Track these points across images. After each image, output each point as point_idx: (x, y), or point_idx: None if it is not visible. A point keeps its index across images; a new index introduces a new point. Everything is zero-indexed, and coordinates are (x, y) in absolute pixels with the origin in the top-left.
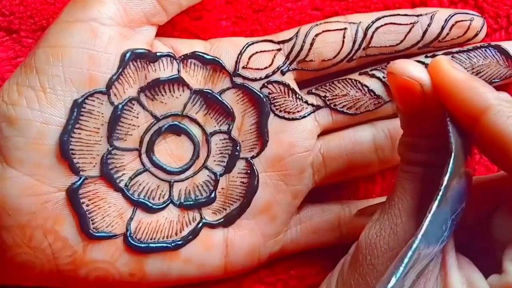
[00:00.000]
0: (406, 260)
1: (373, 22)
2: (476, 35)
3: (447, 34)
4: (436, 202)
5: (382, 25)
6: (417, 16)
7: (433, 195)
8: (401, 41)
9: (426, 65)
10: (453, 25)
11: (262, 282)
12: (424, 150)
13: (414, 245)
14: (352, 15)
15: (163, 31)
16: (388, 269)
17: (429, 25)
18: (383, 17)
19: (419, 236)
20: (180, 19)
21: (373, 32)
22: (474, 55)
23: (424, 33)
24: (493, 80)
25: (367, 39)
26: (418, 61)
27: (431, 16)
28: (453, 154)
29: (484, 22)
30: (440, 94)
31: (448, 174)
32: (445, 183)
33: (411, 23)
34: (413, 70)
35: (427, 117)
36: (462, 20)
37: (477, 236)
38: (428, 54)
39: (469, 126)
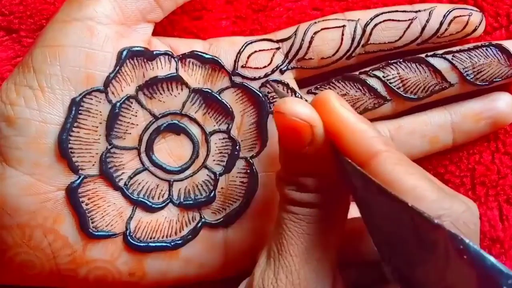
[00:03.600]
0: None
1: (371, 19)
2: (475, 30)
3: (446, 29)
4: None
5: (380, 22)
6: (416, 12)
7: (323, 236)
8: (400, 38)
9: (431, 66)
10: (451, 21)
11: None
12: (311, 190)
13: None
14: (351, 12)
15: (163, 30)
16: None
17: (427, 21)
18: (382, 13)
19: None
20: (180, 19)
21: (372, 29)
22: (475, 54)
23: (423, 29)
24: (494, 80)
25: (366, 36)
26: (419, 58)
27: (430, 12)
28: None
29: (482, 17)
30: (330, 135)
31: None
32: None
33: (409, 19)
34: (303, 110)
35: (315, 157)
36: (460, 15)
37: None
38: (429, 54)
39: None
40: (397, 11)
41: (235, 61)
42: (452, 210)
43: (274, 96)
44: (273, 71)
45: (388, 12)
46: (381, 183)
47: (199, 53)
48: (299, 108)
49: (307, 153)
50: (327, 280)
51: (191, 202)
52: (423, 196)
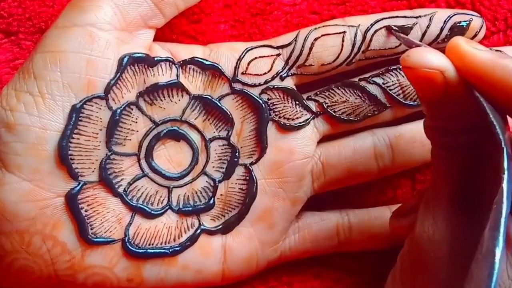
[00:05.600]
0: (502, 229)
1: (372, 25)
2: (476, 35)
3: (447, 35)
4: (506, 161)
5: (381, 28)
6: (416, 17)
7: (476, 174)
8: (401, 44)
9: None
10: (452, 26)
11: None
12: (455, 132)
13: (504, 211)
14: (351, 17)
15: (161, 34)
16: (483, 247)
17: (428, 27)
18: (382, 19)
19: (504, 200)
20: (178, 22)
21: (372, 35)
22: None
23: (423, 34)
24: None
25: (366, 42)
26: None
27: (430, 17)
28: (494, 120)
29: (483, 22)
30: (469, 78)
31: (501, 135)
32: (503, 143)
33: (410, 25)
34: (433, 60)
35: (451, 101)
36: (461, 21)
37: None
38: None
39: (509, 104)
40: (397, 16)
41: (235, 68)
42: None
43: (274, 103)
44: (273, 78)
45: (389, 17)
46: None
47: (200, 60)
48: (425, 57)
49: (444, 99)
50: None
51: (190, 208)
52: None
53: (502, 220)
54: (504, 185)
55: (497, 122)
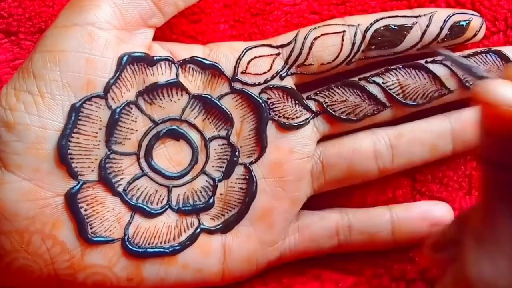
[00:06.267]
0: None
1: (371, 24)
2: (475, 35)
3: (446, 34)
4: None
5: (380, 27)
6: (416, 17)
7: None
8: (400, 43)
9: (430, 72)
10: (452, 26)
11: None
12: None
13: None
14: (351, 17)
15: (161, 34)
16: None
17: (428, 26)
18: (382, 18)
19: None
20: (178, 22)
21: (372, 34)
22: (475, 61)
23: (423, 34)
24: None
25: (366, 42)
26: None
27: (430, 17)
28: None
29: (483, 22)
30: None
31: None
32: None
33: (409, 25)
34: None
35: None
36: (460, 20)
37: None
38: (429, 60)
39: None
40: (397, 16)
41: (235, 67)
42: None
43: (274, 102)
44: (273, 77)
45: (388, 17)
46: None
47: (199, 59)
48: (501, 93)
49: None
50: None
51: (189, 208)
52: None
53: None
54: None
55: None
